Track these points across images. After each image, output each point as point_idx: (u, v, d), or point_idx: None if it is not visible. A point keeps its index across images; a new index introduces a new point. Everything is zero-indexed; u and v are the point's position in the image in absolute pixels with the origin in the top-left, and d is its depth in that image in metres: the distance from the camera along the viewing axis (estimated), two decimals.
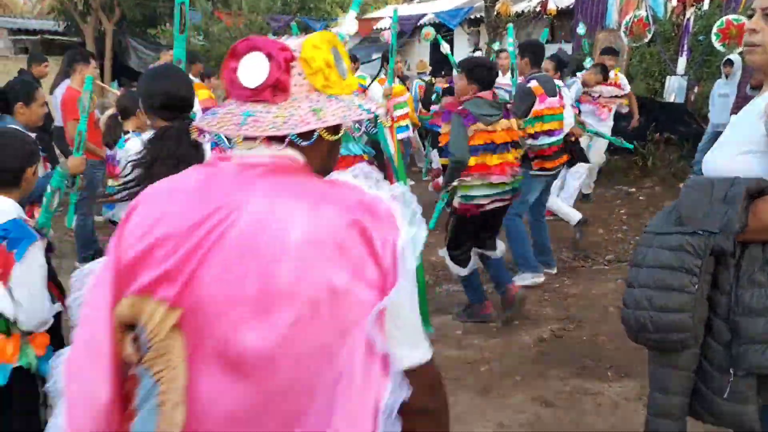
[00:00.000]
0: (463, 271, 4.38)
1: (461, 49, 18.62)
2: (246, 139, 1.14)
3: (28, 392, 2.27)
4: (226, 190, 1.10)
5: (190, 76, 6.86)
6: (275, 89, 1.11)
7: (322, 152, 1.19)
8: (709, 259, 1.66)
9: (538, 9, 13.61)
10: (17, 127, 3.20)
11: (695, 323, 1.67)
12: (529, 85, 4.91)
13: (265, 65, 1.11)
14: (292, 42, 1.15)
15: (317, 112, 1.11)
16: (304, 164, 1.16)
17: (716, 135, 7.66)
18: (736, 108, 6.06)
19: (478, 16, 16.07)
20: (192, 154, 2.20)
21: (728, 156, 1.76)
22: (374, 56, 19.24)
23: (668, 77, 8.85)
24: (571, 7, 13.16)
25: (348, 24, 3.89)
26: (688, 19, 8.29)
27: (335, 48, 1.16)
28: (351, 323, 1.01)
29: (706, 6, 8.33)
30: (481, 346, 4.09)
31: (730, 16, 7.57)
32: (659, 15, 9.38)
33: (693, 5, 8.24)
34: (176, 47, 2.72)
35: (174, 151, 2.23)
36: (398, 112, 6.23)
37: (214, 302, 1.05)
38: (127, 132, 3.88)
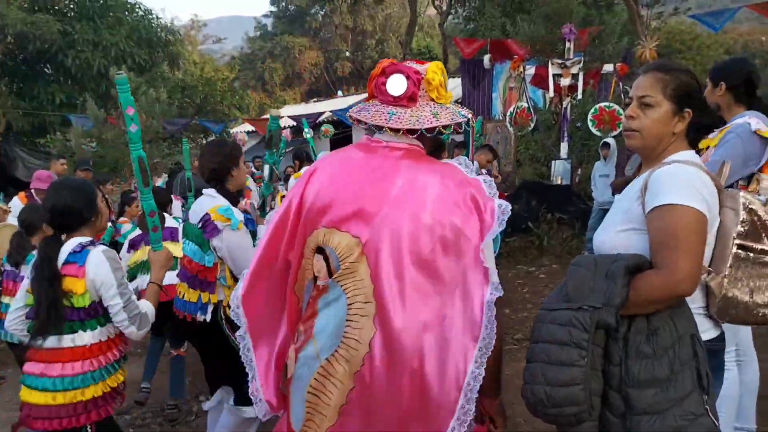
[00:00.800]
0: None
1: None
2: (391, 129, 1.75)
3: None
4: (382, 162, 1.77)
5: None
6: (410, 99, 1.76)
7: (428, 142, 1.83)
8: (598, 332, 1.72)
9: None
10: None
11: (587, 396, 1.69)
12: None
13: (404, 82, 1.76)
14: (420, 68, 1.79)
15: (436, 115, 1.76)
16: (423, 150, 1.82)
17: (603, 213, 8.18)
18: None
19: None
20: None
21: (612, 233, 1.89)
22: None
23: (553, 161, 9.45)
24: (458, 100, 14.00)
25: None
26: (566, 108, 8.99)
27: (444, 73, 1.80)
28: (465, 249, 1.68)
29: (579, 95, 9.07)
30: None
31: (602, 104, 8.28)
32: (539, 105, 10.13)
33: (568, 95, 8.97)
34: (143, 200, 2.75)
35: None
36: None
37: (385, 236, 1.68)
38: (35, 247, 3.69)
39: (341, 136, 16.24)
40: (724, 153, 2.68)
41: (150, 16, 16.31)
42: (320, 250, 1.77)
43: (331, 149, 10.40)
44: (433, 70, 1.77)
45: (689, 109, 1.87)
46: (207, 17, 44.03)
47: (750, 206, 1.81)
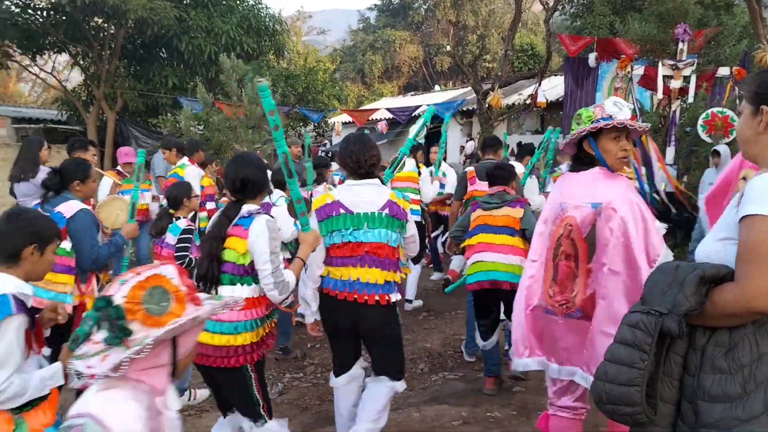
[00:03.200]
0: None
1: (454, 139, 19.13)
2: None
3: None
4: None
5: (193, 164, 7.03)
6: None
7: None
8: (679, 342, 1.72)
9: (528, 101, 14.06)
10: (79, 203, 3.77)
11: (643, 398, 1.69)
12: (465, 170, 6.24)
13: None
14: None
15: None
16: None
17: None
18: None
19: (471, 108, 16.62)
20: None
21: (710, 242, 1.83)
22: None
23: None
24: (560, 99, 13.64)
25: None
26: (674, 111, 8.56)
27: None
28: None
29: (691, 99, 8.62)
30: None
31: (715, 109, 7.83)
32: (646, 107, 9.70)
33: (679, 98, 8.54)
34: (291, 190, 3.20)
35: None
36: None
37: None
38: (178, 218, 4.63)
39: (435, 131, 16.22)
40: None
41: (259, 6, 16.87)
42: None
43: (426, 143, 10.40)
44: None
45: (766, 107, 1.77)
46: (312, 9, 45.06)
47: None
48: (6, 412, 2.24)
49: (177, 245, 4.51)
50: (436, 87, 28.34)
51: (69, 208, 3.72)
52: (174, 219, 4.64)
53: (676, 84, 8.45)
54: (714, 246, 1.80)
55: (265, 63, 16.74)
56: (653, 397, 1.74)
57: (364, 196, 3.36)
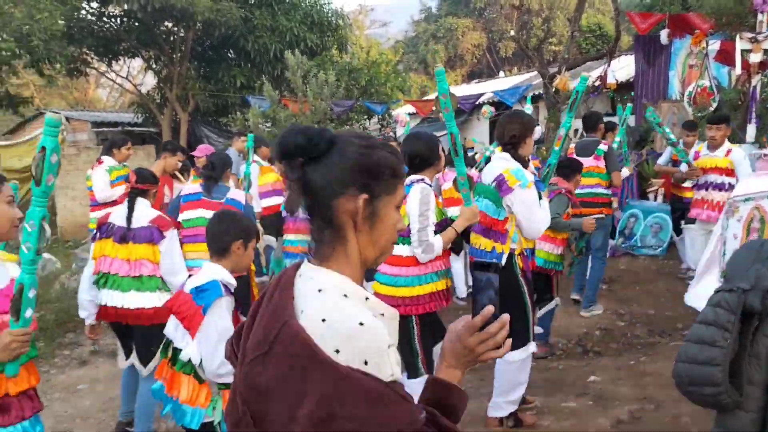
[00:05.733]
0: None
1: None
2: None
3: None
4: None
5: (260, 160, 7.23)
6: None
7: None
8: None
9: (597, 83, 13.66)
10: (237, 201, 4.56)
11: (725, 378, 1.64)
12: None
13: None
14: None
15: None
16: None
17: None
18: None
19: (537, 93, 16.28)
20: None
21: None
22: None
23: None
24: (630, 80, 13.18)
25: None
26: (755, 87, 8.11)
27: None
28: None
29: None
30: (554, 430, 3.91)
31: None
32: (723, 84, 9.25)
33: (759, 73, 8.08)
34: (457, 168, 3.50)
35: None
36: None
37: None
38: None
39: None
40: None
41: (322, 2, 17.05)
42: None
43: (490, 131, 10.26)
44: None
45: None
46: (374, 2, 45.12)
47: None
48: (212, 387, 2.63)
49: None
50: (501, 73, 27.88)
51: (239, 195, 4.63)
52: None
53: (756, 58, 7.98)
54: None
55: (329, 58, 16.91)
56: (739, 379, 1.67)
57: (493, 167, 3.77)
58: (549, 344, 5.21)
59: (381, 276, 3.48)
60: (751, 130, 8.15)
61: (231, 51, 16.24)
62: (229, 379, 2.41)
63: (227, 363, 2.31)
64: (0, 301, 2.16)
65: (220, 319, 2.56)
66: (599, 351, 5.28)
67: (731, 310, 1.64)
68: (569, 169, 5.11)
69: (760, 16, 7.97)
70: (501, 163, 3.67)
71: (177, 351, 2.67)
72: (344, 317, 1.08)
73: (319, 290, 1.13)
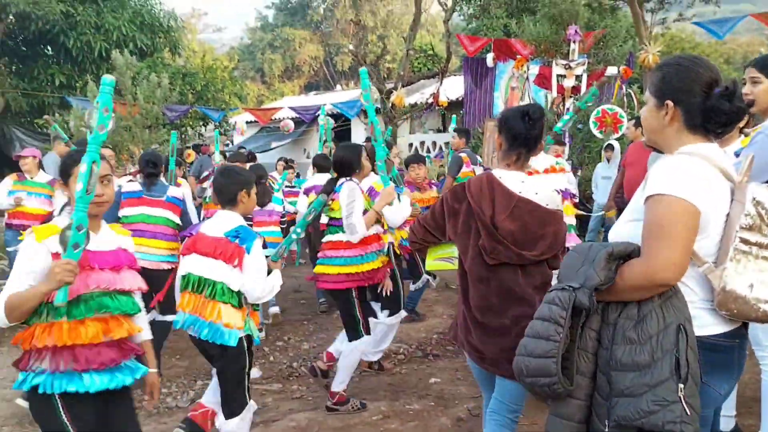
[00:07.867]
0: None
1: (358, 138, 19.21)
2: None
3: (240, 354, 3.15)
4: None
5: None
6: None
7: None
8: (594, 317, 1.85)
9: (430, 101, 14.35)
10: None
11: (558, 369, 1.80)
12: (460, 155, 7.17)
13: None
14: None
15: None
16: None
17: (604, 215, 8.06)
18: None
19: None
20: None
21: (621, 223, 1.98)
22: (273, 145, 19.43)
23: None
24: (460, 98, 14.02)
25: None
26: (568, 109, 8.98)
27: None
28: None
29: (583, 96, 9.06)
30: (399, 431, 4.01)
31: (605, 106, 8.29)
32: (541, 106, 10.09)
33: (571, 96, 8.97)
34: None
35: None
36: None
37: None
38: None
39: (340, 129, 16.23)
40: (751, 153, 2.65)
41: (152, 2, 16.24)
42: None
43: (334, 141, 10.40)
44: None
45: (670, 102, 1.88)
46: (207, 7, 43.81)
47: (757, 198, 1.79)
48: (247, 308, 3.19)
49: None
50: (338, 86, 28.34)
51: (178, 192, 4.86)
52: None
53: (569, 83, 8.88)
54: (624, 227, 1.93)
55: (161, 60, 16.14)
56: (570, 369, 1.83)
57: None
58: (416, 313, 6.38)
59: (324, 259, 4.20)
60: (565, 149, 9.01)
61: (49, 47, 14.93)
62: (265, 300, 3.33)
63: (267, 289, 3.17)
64: (107, 259, 2.44)
65: (260, 256, 3.13)
66: (438, 354, 5.51)
67: (563, 306, 1.80)
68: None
69: (572, 45, 8.87)
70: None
71: (211, 284, 3.10)
72: None
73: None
